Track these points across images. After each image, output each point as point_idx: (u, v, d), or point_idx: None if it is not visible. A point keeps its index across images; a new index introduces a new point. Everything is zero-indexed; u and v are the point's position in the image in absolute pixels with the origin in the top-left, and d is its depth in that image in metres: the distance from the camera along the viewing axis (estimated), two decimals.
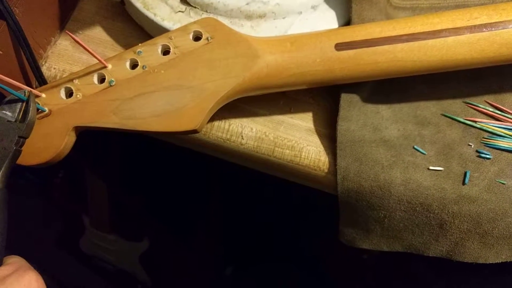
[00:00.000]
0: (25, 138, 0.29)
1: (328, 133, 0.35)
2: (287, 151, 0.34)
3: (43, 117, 0.30)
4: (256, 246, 0.68)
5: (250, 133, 0.34)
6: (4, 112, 0.28)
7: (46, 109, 0.30)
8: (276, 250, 0.67)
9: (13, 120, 0.28)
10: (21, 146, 0.29)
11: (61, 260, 0.75)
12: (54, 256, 0.75)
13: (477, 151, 0.33)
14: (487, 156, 0.33)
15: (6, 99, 0.29)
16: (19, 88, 0.29)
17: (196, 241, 0.71)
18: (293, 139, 0.34)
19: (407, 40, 0.31)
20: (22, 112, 0.29)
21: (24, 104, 0.29)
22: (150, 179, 0.66)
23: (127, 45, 0.38)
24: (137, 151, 0.62)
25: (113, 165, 0.66)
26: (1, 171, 0.27)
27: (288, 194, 0.59)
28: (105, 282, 0.77)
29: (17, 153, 0.28)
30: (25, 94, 0.29)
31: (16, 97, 0.29)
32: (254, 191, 0.61)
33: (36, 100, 0.30)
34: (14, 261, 0.27)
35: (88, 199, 0.71)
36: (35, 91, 0.30)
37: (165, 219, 0.71)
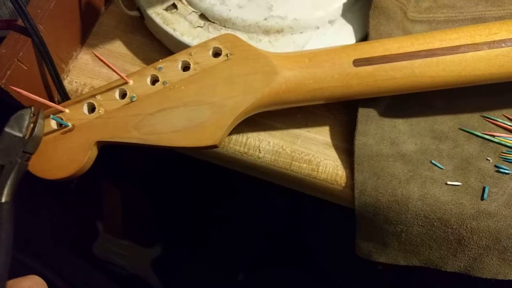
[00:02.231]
0: (30, 153, 0.30)
1: (346, 147, 0.35)
2: (304, 165, 0.34)
3: (66, 132, 0.31)
4: (269, 253, 0.68)
5: (268, 146, 0.35)
6: (12, 127, 0.29)
7: (70, 124, 0.31)
8: (288, 257, 0.67)
9: (21, 135, 0.29)
10: (27, 160, 0.30)
11: (75, 265, 0.76)
12: (68, 260, 0.76)
13: (495, 166, 0.33)
14: (506, 171, 0.33)
15: (14, 115, 0.30)
16: (44, 104, 0.30)
17: (208, 247, 0.71)
18: (310, 153, 0.35)
19: (425, 56, 0.31)
20: (29, 127, 0.30)
21: (31, 120, 0.30)
22: (163, 186, 0.67)
23: (146, 59, 0.38)
24: (150, 158, 0.63)
25: (126, 171, 0.67)
26: (7, 185, 0.28)
27: (302, 201, 0.59)
28: (118, 286, 0.77)
29: (23, 167, 0.29)
30: (31, 110, 0.30)
31: (24, 113, 0.30)
32: (268, 198, 0.61)
33: (60, 115, 0.31)
34: (23, 287, 0.27)
35: (102, 204, 0.72)
36: (59, 107, 0.31)
37: (177, 225, 0.71)
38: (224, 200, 0.65)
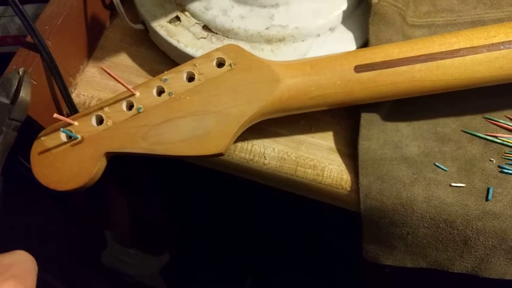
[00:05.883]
0: (18, 120, 0.27)
1: (350, 151, 0.35)
2: (310, 170, 0.35)
3: (75, 144, 0.32)
4: (275, 258, 0.68)
5: (273, 153, 0.35)
6: None
7: (79, 136, 0.32)
8: (295, 262, 0.67)
9: (7, 101, 0.27)
10: (14, 129, 0.27)
11: (83, 274, 0.77)
12: (76, 270, 0.76)
13: (499, 167, 0.33)
14: (510, 172, 0.33)
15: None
16: (56, 119, 0.30)
17: (216, 253, 0.72)
18: (315, 158, 0.35)
19: (425, 60, 0.31)
20: (16, 93, 0.27)
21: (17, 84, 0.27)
22: (170, 194, 0.67)
23: (151, 71, 0.39)
24: (157, 166, 0.63)
25: (134, 180, 0.68)
26: None
27: (308, 206, 0.59)
28: None
29: (10, 137, 0.27)
30: (19, 74, 0.28)
31: (10, 77, 0.27)
32: (274, 204, 0.61)
33: (69, 128, 0.32)
34: (3, 265, 0.24)
35: (109, 213, 0.73)
36: (68, 120, 0.32)
37: (185, 233, 0.72)
38: (231, 207, 0.66)
